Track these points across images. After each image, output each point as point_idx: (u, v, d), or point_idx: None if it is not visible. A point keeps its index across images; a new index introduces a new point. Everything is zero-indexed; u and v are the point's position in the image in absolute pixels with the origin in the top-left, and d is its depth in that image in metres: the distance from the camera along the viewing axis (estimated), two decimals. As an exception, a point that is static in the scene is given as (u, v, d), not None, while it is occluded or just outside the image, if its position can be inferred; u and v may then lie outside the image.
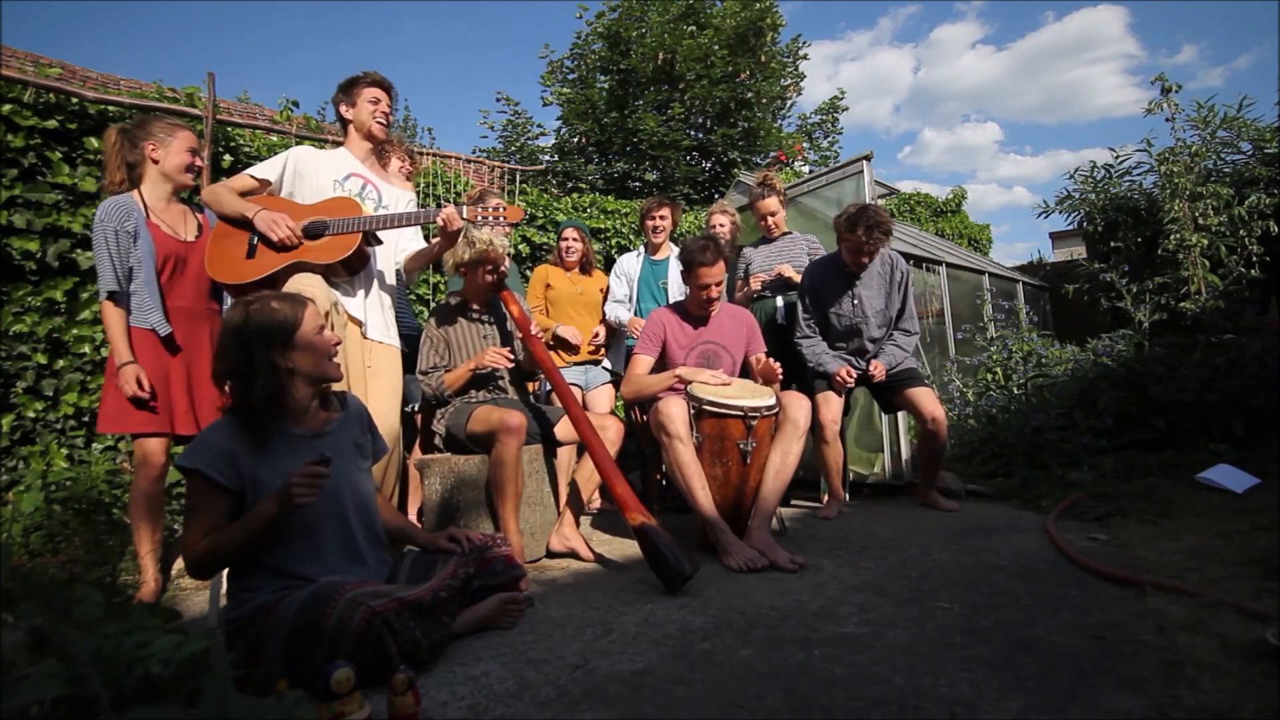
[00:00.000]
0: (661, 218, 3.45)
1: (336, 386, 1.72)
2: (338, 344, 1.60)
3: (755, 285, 3.32)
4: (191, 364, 2.20)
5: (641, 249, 3.58)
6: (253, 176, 2.21)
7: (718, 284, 2.61)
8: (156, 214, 2.20)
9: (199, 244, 2.25)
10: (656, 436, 2.40)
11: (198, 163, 2.29)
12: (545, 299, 3.43)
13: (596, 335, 3.40)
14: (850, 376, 2.88)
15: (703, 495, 2.27)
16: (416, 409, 2.85)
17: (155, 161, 2.20)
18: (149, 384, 2.06)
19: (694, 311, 2.72)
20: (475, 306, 2.65)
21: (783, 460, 2.36)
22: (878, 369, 2.92)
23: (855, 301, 2.96)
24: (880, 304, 2.99)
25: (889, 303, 3.01)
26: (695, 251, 2.57)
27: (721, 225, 3.53)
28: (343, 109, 2.34)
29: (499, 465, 2.23)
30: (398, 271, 2.45)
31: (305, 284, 2.03)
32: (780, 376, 2.56)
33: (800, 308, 3.08)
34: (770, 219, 3.44)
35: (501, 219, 2.26)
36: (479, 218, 2.25)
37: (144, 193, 2.20)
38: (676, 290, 3.38)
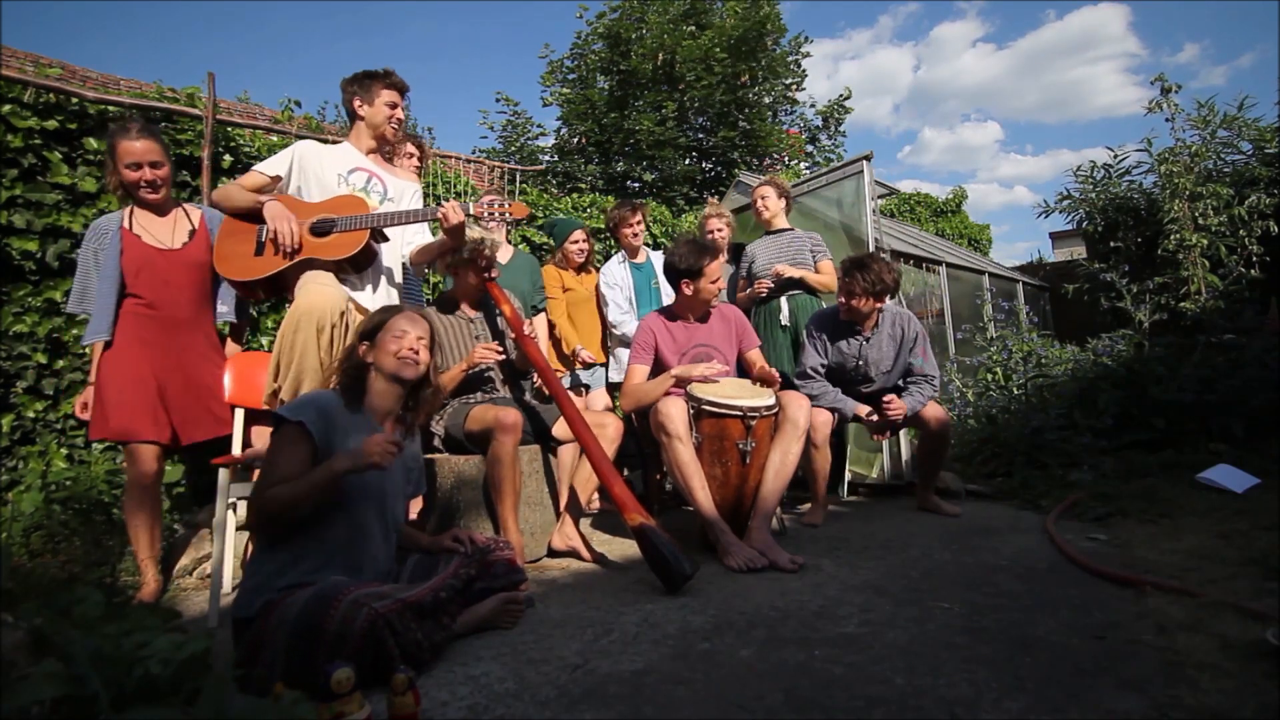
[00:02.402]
0: (638, 223, 3.46)
1: None
2: (415, 350, 1.69)
3: (761, 291, 3.31)
4: (180, 373, 2.16)
5: (621, 254, 3.53)
6: (262, 173, 2.20)
7: (720, 278, 2.64)
8: (140, 223, 2.17)
9: (189, 250, 2.21)
10: (656, 436, 2.40)
11: (145, 175, 2.13)
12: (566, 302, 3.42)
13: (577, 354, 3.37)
14: (896, 410, 2.79)
15: (702, 495, 2.27)
16: None
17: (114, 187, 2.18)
18: (92, 405, 2.12)
19: (685, 314, 2.72)
20: (466, 306, 2.65)
21: (783, 460, 2.36)
22: (896, 408, 2.79)
23: (861, 362, 2.90)
24: (887, 365, 2.92)
25: (897, 363, 2.93)
26: (697, 254, 2.58)
27: (719, 230, 3.54)
28: (356, 103, 2.30)
29: (495, 463, 2.23)
30: (404, 265, 2.45)
31: (319, 280, 2.03)
32: (779, 381, 2.55)
33: (808, 349, 2.97)
34: (761, 201, 3.45)
35: (506, 214, 2.26)
36: (484, 213, 2.25)
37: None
38: (666, 287, 3.40)
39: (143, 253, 2.15)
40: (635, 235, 3.46)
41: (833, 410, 2.85)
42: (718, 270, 2.61)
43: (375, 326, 1.72)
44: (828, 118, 10.06)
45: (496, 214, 2.26)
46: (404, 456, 1.72)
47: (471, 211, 2.24)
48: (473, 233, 2.38)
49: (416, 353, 1.70)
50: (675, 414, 2.31)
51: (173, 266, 2.18)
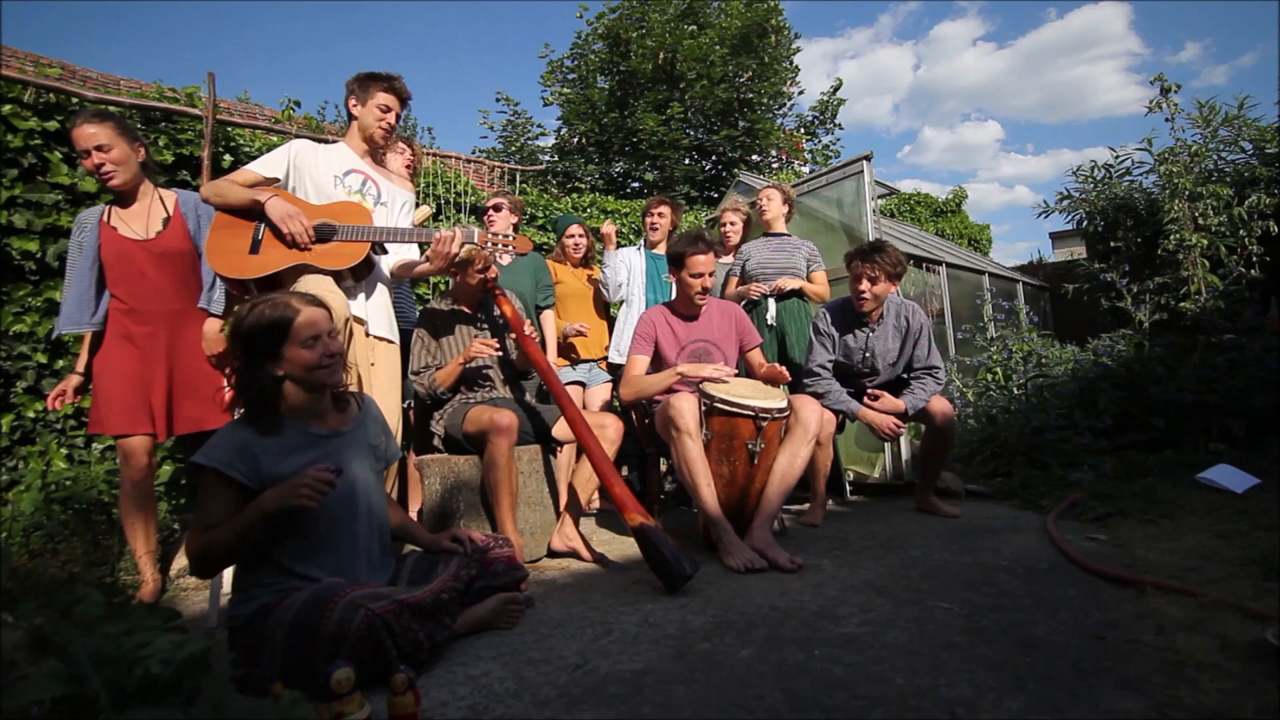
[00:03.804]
0: (659, 215, 3.55)
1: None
2: (333, 354, 1.54)
3: (755, 294, 3.31)
4: (172, 366, 2.14)
5: (642, 243, 3.62)
6: (257, 173, 2.17)
7: (710, 274, 2.61)
8: (118, 214, 2.17)
9: (163, 239, 2.17)
10: (665, 431, 2.39)
11: (93, 161, 2.08)
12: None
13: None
14: (899, 428, 2.80)
15: (707, 492, 2.27)
16: (409, 405, 2.84)
17: None
18: (72, 395, 2.18)
19: (683, 310, 2.71)
20: (466, 307, 2.64)
21: (790, 463, 2.36)
22: (894, 405, 2.80)
23: (868, 354, 2.88)
24: (893, 357, 2.90)
25: (902, 355, 2.91)
26: (684, 243, 2.60)
27: (733, 224, 3.63)
28: (351, 103, 2.30)
29: (491, 466, 2.23)
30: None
31: (319, 286, 2.01)
32: (789, 379, 2.55)
33: (816, 346, 2.92)
34: (765, 201, 3.49)
35: (511, 249, 2.25)
36: (488, 244, 2.24)
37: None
38: None
39: (119, 246, 2.13)
40: (654, 228, 3.58)
41: (838, 411, 2.83)
42: (701, 266, 2.58)
43: (276, 339, 1.47)
44: (822, 111, 10.06)
45: (500, 249, 2.24)
46: (366, 434, 1.66)
47: (476, 241, 2.22)
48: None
49: (333, 356, 1.53)
50: (687, 409, 2.30)
51: (148, 257, 2.14)
